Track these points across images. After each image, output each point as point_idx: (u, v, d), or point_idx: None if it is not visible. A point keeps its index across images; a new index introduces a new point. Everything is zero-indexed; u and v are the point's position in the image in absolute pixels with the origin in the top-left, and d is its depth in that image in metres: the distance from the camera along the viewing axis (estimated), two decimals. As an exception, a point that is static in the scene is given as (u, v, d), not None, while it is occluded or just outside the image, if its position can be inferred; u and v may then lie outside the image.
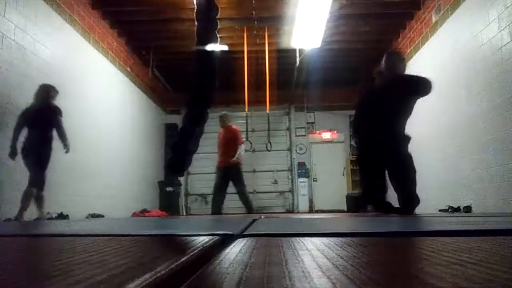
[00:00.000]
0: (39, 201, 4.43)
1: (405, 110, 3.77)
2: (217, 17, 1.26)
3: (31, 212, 4.37)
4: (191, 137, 1.27)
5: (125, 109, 7.88)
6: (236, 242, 0.94)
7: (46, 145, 4.43)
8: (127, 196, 7.60)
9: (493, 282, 0.43)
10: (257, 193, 10.76)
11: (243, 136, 8.41)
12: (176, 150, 1.27)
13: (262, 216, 3.23)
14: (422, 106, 6.80)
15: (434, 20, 6.27)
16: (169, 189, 9.34)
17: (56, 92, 4.69)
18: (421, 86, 3.71)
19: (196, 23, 1.26)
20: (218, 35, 1.28)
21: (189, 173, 10.64)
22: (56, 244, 1.08)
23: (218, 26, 1.29)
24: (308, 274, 0.50)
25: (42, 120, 4.42)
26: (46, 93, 4.55)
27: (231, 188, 6.28)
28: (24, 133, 4.35)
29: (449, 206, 5.49)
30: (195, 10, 1.36)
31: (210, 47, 1.25)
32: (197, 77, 1.24)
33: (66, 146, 4.61)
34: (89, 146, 6.08)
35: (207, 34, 1.25)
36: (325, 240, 0.95)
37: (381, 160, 3.72)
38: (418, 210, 3.63)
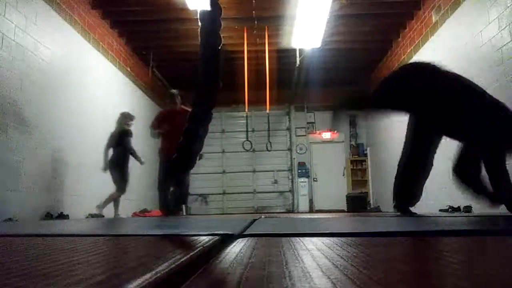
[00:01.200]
0: (116, 203, 5.86)
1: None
2: (220, 17, 1.27)
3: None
4: (196, 137, 1.28)
5: (125, 109, 7.87)
6: (236, 242, 0.94)
7: (125, 160, 5.80)
8: (127, 196, 7.59)
9: (493, 282, 0.43)
10: (257, 193, 10.77)
11: (243, 136, 8.43)
12: (181, 151, 1.27)
13: (262, 216, 3.22)
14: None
15: (434, 20, 6.27)
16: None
17: (132, 118, 6.10)
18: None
19: (199, 23, 1.26)
20: (221, 36, 1.28)
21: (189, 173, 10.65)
22: (56, 244, 1.08)
23: (222, 27, 1.29)
24: (308, 274, 0.50)
25: (120, 141, 5.78)
26: (123, 119, 5.96)
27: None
28: (110, 151, 5.75)
29: (449, 206, 5.49)
30: (199, 11, 1.36)
31: (214, 47, 1.25)
32: (201, 78, 1.24)
33: (140, 161, 6.06)
34: (89, 146, 6.08)
35: (211, 34, 1.25)
36: (325, 240, 0.95)
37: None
38: (418, 210, 3.62)
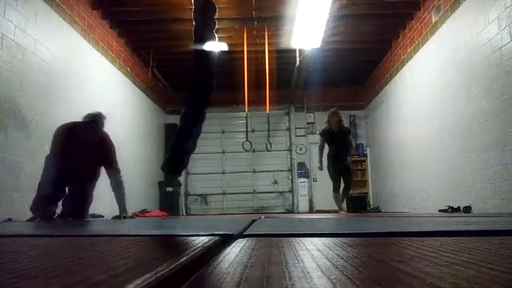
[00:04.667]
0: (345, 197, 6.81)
1: None
2: (214, 16, 1.26)
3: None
4: (188, 137, 1.27)
5: (125, 109, 7.87)
6: (236, 242, 0.94)
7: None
8: (127, 196, 7.59)
9: (493, 282, 0.43)
10: (257, 193, 10.77)
11: (243, 136, 8.44)
12: (173, 150, 1.27)
13: (262, 216, 3.22)
14: (422, 106, 6.83)
15: (434, 20, 6.27)
16: (169, 189, 9.33)
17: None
18: None
19: (194, 22, 1.26)
20: (216, 35, 1.28)
21: (189, 173, 10.65)
22: (56, 244, 1.08)
23: (216, 26, 1.29)
24: (308, 274, 0.50)
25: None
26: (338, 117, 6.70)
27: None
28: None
29: (449, 206, 5.48)
30: (192, 10, 1.36)
31: (207, 46, 1.25)
32: (195, 77, 1.24)
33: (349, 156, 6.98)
34: (89, 146, 6.07)
35: (204, 33, 1.25)
36: (325, 240, 0.96)
37: None
38: (418, 210, 3.62)
